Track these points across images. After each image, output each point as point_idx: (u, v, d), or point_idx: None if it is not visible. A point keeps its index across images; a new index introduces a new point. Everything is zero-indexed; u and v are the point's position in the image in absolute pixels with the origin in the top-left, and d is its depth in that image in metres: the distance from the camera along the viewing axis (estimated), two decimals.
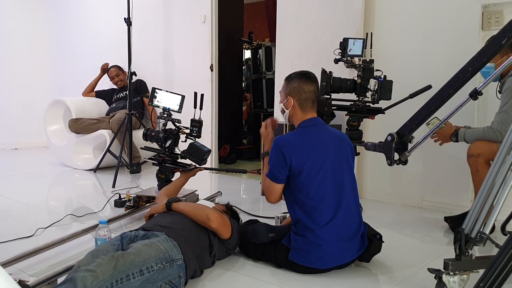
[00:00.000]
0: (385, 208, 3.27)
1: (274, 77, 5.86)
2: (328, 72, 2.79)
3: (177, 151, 2.88)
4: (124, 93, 4.96)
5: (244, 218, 2.81)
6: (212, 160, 4.66)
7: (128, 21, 4.13)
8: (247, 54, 6.52)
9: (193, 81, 4.68)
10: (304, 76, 2.11)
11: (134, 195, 2.94)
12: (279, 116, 2.44)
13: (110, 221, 2.60)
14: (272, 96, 5.87)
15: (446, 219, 2.78)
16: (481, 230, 1.68)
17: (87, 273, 1.43)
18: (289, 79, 2.14)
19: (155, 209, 2.21)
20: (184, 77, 4.82)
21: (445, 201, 3.00)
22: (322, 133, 2.08)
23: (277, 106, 2.25)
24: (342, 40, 2.75)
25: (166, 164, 2.84)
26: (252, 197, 3.66)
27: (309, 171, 1.98)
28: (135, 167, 4.40)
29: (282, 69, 4.02)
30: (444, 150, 3.17)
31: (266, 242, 2.09)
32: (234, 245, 2.17)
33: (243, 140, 6.22)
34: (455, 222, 2.70)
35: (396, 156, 2.60)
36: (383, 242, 2.05)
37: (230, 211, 2.37)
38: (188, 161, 2.84)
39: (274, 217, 2.61)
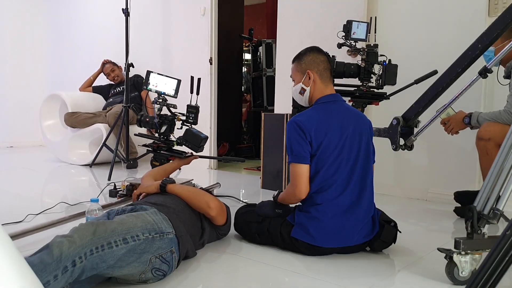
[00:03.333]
0: (388, 201, 3.16)
1: (274, 74, 5.81)
2: (331, 57, 2.70)
3: (172, 138, 2.77)
4: (121, 87, 4.89)
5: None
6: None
7: (126, 12, 4.06)
8: (247, 56, 6.46)
9: (192, 74, 4.57)
10: (315, 49, 2.04)
11: (128, 184, 2.83)
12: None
13: (103, 207, 2.49)
14: (273, 93, 5.80)
15: (456, 196, 2.75)
16: (494, 206, 1.59)
17: (64, 238, 1.31)
18: (299, 56, 2.05)
19: (146, 188, 2.06)
20: (182, 70, 4.71)
21: (451, 193, 2.90)
22: (342, 109, 1.97)
23: (289, 92, 2.14)
24: (345, 23, 2.66)
25: (161, 151, 2.72)
26: (252, 189, 3.56)
27: (326, 147, 1.87)
28: (131, 162, 4.30)
29: (283, 61, 3.95)
30: (449, 140, 3.08)
31: (271, 216, 2.00)
32: (227, 231, 2.09)
33: (242, 138, 6.14)
34: (461, 197, 2.71)
35: (401, 142, 2.53)
36: (400, 232, 1.95)
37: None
38: (184, 149, 2.74)
39: None
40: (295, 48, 3.70)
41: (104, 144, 4.23)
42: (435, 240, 2.19)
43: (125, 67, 4.10)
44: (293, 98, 3.09)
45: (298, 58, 2.07)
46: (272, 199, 2.11)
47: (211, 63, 4.49)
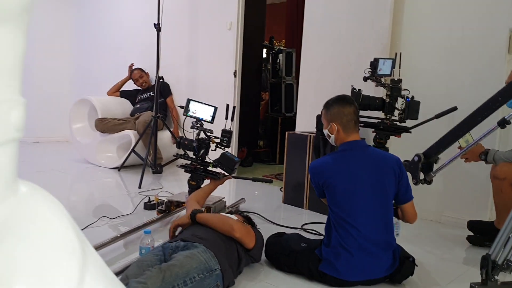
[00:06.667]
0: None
1: (293, 82, 5.99)
2: (357, 90, 2.88)
3: (207, 159, 2.99)
4: (148, 94, 5.10)
5: (269, 227, 2.94)
6: None
7: (157, 27, 4.24)
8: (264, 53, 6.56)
9: (216, 86, 4.79)
10: (342, 100, 2.23)
11: (166, 200, 3.07)
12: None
13: (145, 225, 2.71)
14: (291, 101, 5.99)
15: (469, 225, 2.92)
16: (508, 257, 1.79)
17: (139, 285, 1.55)
18: (327, 106, 2.26)
19: (180, 220, 2.33)
20: (207, 82, 4.93)
21: (464, 218, 3.09)
22: (359, 156, 2.19)
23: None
24: (372, 60, 2.84)
25: (198, 172, 2.95)
26: (274, 204, 3.76)
27: (334, 190, 2.15)
28: (158, 168, 4.53)
29: (306, 80, 4.10)
30: (464, 167, 3.26)
31: (297, 251, 2.23)
32: (259, 256, 2.29)
33: (259, 142, 6.31)
34: (473, 226, 2.88)
35: (421, 176, 2.71)
36: (416, 266, 2.16)
37: (247, 220, 2.50)
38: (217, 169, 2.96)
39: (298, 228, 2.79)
40: (320, 67, 3.92)
41: (133, 151, 4.45)
42: (449, 272, 2.40)
43: (155, 80, 4.31)
44: (317, 119, 3.32)
45: (326, 107, 2.28)
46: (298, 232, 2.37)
47: (235, 76, 4.67)
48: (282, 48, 6.26)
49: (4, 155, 0.57)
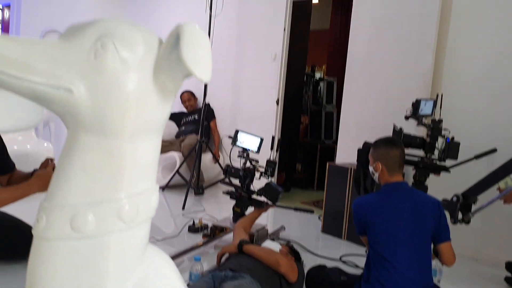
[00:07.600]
0: None
1: (333, 110, 6.13)
2: (399, 128, 3.00)
3: (252, 188, 3.16)
4: (193, 117, 5.35)
5: (307, 256, 3.06)
6: None
7: None
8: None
9: (258, 113, 4.97)
10: (390, 143, 2.35)
11: (212, 225, 3.25)
12: None
13: (192, 248, 2.89)
14: (331, 128, 6.12)
15: (507, 266, 2.96)
16: None
17: None
18: (375, 145, 2.38)
19: (228, 249, 2.47)
20: (250, 109, 5.13)
21: (502, 258, 3.11)
22: (401, 198, 2.28)
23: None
24: (414, 101, 2.96)
25: (243, 200, 3.12)
26: (313, 233, 3.86)
27: (374, 228, 2.26)
28: (200, 190, 4.74)
29: (348, 112, 4.22)
30: (504, 206, 3.29)
31: (337, 284, 2.36)
32: None
33: (297, 166, 6.42)
34: None
35: (460, 216, 2.78)
36: None
37: (293, 251, 2.62)
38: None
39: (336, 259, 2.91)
40: (361, 101, 4.03)
41: (178, 172, 4.69)
42: None
43: (202, 105, 4.55)
44: (358, 152, 3.44)
45: (374, 146, 2.40)
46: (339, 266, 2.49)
47: (277, 104, 4.85)
48: (323, 77, 6.42)
49: (145, 228, 0.75)
